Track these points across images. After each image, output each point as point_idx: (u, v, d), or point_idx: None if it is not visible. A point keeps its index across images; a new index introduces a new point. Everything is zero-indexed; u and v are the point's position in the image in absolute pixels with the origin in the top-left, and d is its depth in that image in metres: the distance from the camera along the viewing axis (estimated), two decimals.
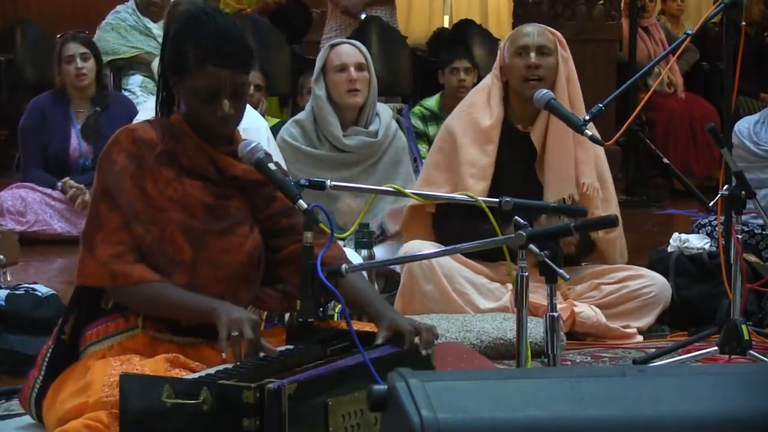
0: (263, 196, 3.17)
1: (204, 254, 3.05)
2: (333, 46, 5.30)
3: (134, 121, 4.45)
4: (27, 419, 3.15)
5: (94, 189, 3.09)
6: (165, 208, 3.03)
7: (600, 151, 4.78)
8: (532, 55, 4.66)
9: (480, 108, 4.77)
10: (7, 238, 4.27)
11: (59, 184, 6.85)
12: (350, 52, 5.22)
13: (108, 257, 2.99)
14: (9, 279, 4.43)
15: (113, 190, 3.02)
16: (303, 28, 9.47)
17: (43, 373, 3.08)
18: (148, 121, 3.17)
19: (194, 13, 3.04)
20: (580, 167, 4.68)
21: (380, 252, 5.00)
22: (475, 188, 4.60)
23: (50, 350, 3.10)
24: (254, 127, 4.97)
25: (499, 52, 4.84)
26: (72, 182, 6.78)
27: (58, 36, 7.24)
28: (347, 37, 7.74)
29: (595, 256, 4.87)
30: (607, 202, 4.74)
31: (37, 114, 7.03)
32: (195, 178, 3.08)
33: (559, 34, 4.79)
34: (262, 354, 2.87)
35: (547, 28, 4.80)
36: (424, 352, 2.92)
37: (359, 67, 5.18)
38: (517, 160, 4.73)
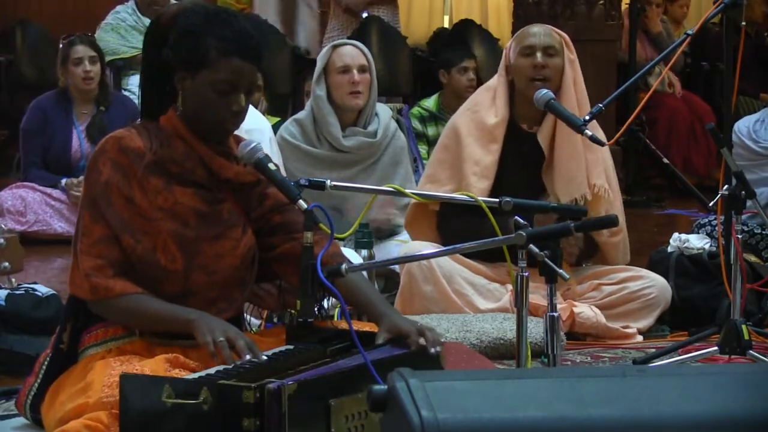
0: (255, 195, 3.15)
1: (196, 261, 3.03)
2: (335, 46, 5.28)
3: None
4: (26, 419, 3.15)
5: (82, 197, 3.07)
6: (155, 218, 3.01)
7: (607, 153, 4.78)
8: (538, 55, 4.65)
9: (485, 107, 4.76)
10: (12, 245, 4.27)
11: (63, 181, 6.85)
12: (353, 53, 5.21)
13: (89, 269, 2.97)
14: (14, 285, 4.43)
15: (98, 201, 3.00)
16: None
17: (39, 380, 3.08)
18: (135, 128, 3.11)
19: (213, 11, 3.05)
20: (590, 168, 4.68)
21: (380, 252, 5.00)
22: (478, 186, 4.60)
23: (48, 358, 3.09)
24: (257, 128, 4.97)
25: (504, 51, 4.83)
26: (81, 179, 6.75)
27: (63, 37, 7.23)
28: (348, 37, 7.75)
29: (597, 257, 4.87)
30: (611, 205, 4.74)
31: (38, 115, 7.03)
32: (185, 186, 3.05)
33: (566, 35, 4.77)
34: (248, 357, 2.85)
35: (554, 29, 4.78)
36: (433, 351, 2.91)
37: (362, 69, 5.17)
38: (521, 160, 4.72)
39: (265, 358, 2.86)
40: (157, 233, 3.00)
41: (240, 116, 3.05)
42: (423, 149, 7.09)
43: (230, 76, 2.99)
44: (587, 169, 4.67)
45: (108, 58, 7.84)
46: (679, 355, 4.24)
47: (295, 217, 3.10)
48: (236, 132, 3.14)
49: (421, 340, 2.93)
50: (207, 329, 2.88)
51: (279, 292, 3.26)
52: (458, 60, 7.59)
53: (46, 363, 3.09)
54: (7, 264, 4.34)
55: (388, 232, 5.25)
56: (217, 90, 3.00)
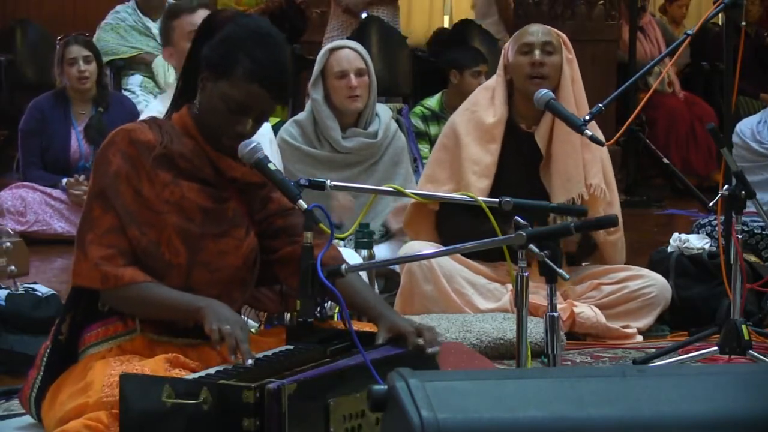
0: (260, 197, 3.16)
1: (199, 257, 3.04)
2: (332, 50, 5.25)
3: (142, 116, 4.44)
4: (27, 419, 3.15)
5: (90, 189, 3.08)
6: (161, 211, 3.02)
7: (605, 154, 4.79)
8: (537, 52, 4.66)
9: (484, 107, 4.77)
10: (18, 249, 4.26)
11: (64, 180, 6.85)
12: (350, 57, 5.19)
13: (99, 259, 2.98)
14: (20, 289, 4.44)
15: (108, 191, 3.01)
16: (300, 29, 9.48)
17: (41, 373, 3.08)
18: (145, 122, 3.14)
19: (262, 30, 3.04)
20: (587, 168, 4.68)
21: (381, 252, 5.00)
22: (477, 186, 4.60)
23: (48, 350, 3.10)
24: None
25: (503, 51, 4.84)
26: (81, 179, 6.75)
27: (59, 38, 7.24)
28: (348, 37, 7.74)
29: (596, 256, 4.87)
30: (609, 205, 4.74)
31: (37, 115, 7.04)
32: (192, 181, 3.06)
33: (563, 35, 4.79)
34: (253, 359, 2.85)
35: (552, 29, 4.80)
36: (430, 351, 2.92)
37: (359, 73, 5.15)
38: (520, 159, 4.73)
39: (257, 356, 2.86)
40: (163, 227, 3.01)
41: (242, 138, 3.05)
42: (425, 148, 7.08)
43: (246, 99, 3.00)
44: (584, 169, 4.68)
45: (108, 58, 7.84)
46: (679, 355, 4.24)
47: (297, 221, 3.10)
48: None
49: (419, 340, 2.93)
50: (215, 318, 2.88)
51: (281, 296, 3.27)
52: (473, 63, 7.58)
53: (46, 355, 3.09)
54: (13, 267, 4.34)
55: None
56: (228, 105, 3.01)
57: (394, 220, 5.23)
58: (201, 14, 4.41)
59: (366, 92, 5.20)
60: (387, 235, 5.27)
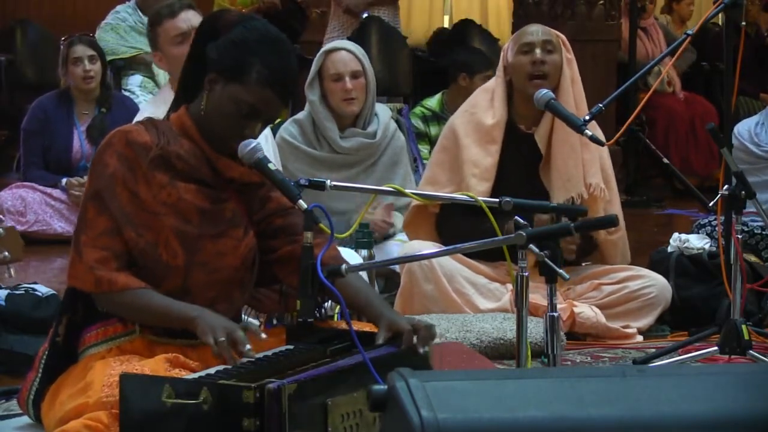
0: (258, 197, 3.16)
1: (198, 258, 3.03)
2: (328, 52, 5.24)
3: (135, 119, 4.43)
4: (27, 419, 3.15)
5: (86, 190, 3.08)
6: (159, 213, 3.01)
7: (605, 153, 4.79)
8: (537, 51, 4.66)
9: (483, 108, 4.77)
10: (10, 235, 4.27)
11: (63, 180, 6.86)
12: (346, 59, 5.17)
13: (93, 261, 2.98)
14: (13, 275, 4.43)
15: (103, 193, 3.01)
16: (299, 29, 9.47)
17: (39, 375, 3.08)
18: (142, 123, 3.14)
19: (273, 36, 3.04)
20: (586, 168, 4.68)
21: (380, 252, 5.00)
22: (478, 188, 4.60)
23: (46, 352, 3.09)
24: None
25: (502, 52, 4.84)
26: (81, 179, 6.75)
27: (64, 38, 7.25)
28: (348, 37, 7.74)
29: (596, 256, 4.87)
30: (610, 204, 4.75)
31: (39, 115, 7.05)
32: (189, 182, 3.05)
33: (563, 36, 4.79)
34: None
35: (551, 29, 4.80)
36: (421, 350, 2.92)
37: (355, 75, 5.14)
38: (520, 160, 4.73)
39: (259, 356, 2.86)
40: (160, 228, 3.01)
41: (245, 140, 3.05)
42: (425, 149, 7.09)
43: (258, 103, 3.01)
44: (583, 168, 4.68)
45: (107, 59, 7.84)
46: (679, 355, 4.24)
47: (296, 220, 3.10)
48: None
49: (414, 339, 2.93)
50: (209, 328, 2.88)
51: (281, 296, 3.27)
52: (484, 68, 7.58)
53: (44, 357, 3.09)
54: (6, 253, 4.33)
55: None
56: (239, 109, 3.01)
57: (385, 213, 5.23)
58: (183, 17, 4.40)
59: (362, 94, 5.19)
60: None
